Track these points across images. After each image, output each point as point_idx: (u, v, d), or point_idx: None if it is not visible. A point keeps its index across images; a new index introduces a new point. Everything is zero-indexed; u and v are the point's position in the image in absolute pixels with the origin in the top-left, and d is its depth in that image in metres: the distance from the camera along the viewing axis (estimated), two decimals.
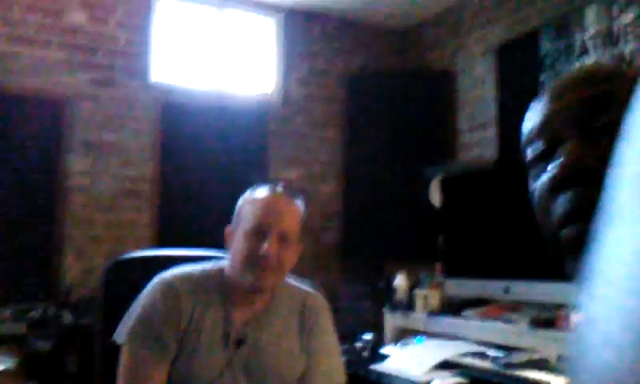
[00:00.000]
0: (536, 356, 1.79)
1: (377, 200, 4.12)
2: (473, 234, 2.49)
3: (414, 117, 4.20)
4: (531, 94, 3.07)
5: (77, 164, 3.62)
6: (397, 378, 1.91)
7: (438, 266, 2.71)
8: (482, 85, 3.98)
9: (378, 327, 2.82)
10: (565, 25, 3.33)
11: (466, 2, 4.14)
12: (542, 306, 2.11)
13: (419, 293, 2.61)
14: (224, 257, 1.54)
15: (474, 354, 2.00)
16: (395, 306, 2.71)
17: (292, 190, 1.52)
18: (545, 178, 0.64)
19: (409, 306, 2.66)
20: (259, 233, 1.41)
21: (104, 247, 3.62)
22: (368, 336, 2.41)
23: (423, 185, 3.22)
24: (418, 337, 2.36)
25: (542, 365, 1.75)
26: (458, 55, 4.21)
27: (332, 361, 1.54)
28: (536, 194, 0.67)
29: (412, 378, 1.88)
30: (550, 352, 1.87)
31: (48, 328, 2.96)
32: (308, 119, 4.31)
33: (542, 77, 3.46)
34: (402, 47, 4.68)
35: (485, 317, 2.27)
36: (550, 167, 0.63)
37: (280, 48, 4.29)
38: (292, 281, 1.59)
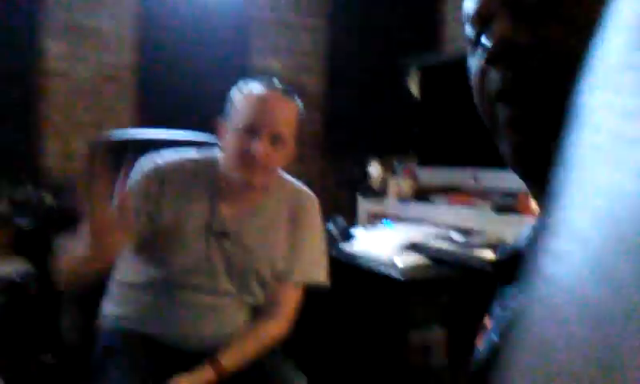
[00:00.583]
0: (495, 238, 1.88)
1: (360, 91, 4.11)
2: (446, 125, 2.52)
3: (401, 5, 4.11)
4: None
5: (55, 47, 3.55)
6: (363, 257, 2.00)
7: (412, 155, 2.76)
8: None
9: (351, 213, 2.91)
10: None
11: None
12: (507, 194, 2.18)
13: (392, 180, 2.67)
14: (214, 145, 1.54)
15: (439, 237, 2.09)
16: (368, 192, 2.78)
17: (288, 87, 1.47)
18: (479, 55, 0.65)
19: (382, 192, 2.73)
20: (251, 131, 1.38)
21: (84, 132, 3.63)
22: (339, 219, 2.49)
23: (403, 74, 3.21)
24: (387, 221, 2.45)
25: (499, 246, 1.84)
26: None
27: (314, 257, 1.57)
28: (472, 73, 0.68)
29: (378, 258, 1.97)
30: (509, 235, 1.96)
31: (31, 209, 3.02)
32: (291, 6, 4.20)
33: None
34: None
35: (453, 203, 2.35)
36: (483, 43, 0.64)
37: None
38: (285, 176, 1.59)
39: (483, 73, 0.65)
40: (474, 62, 0.68)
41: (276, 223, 1.53)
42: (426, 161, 2.61)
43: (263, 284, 1.52)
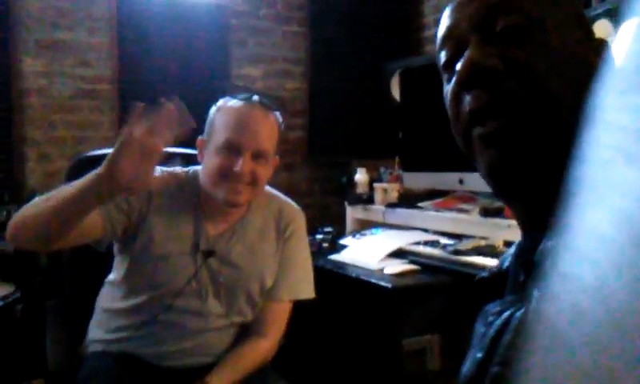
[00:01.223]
0: (483, 242, 1.88)
1: (342, 96, 4.10)
2: (430, 128, 2.51)
3: (380, 9, 4.11)
4: None
5: (31, 65, 3.50)
6: (352, 266, 1.99)
7: (397, 160, 2.75)
8: None
9: (339, 221, 2.90)
10: None
11: None
12: (494, 197, 2.18)
13: (378, 186, 2.67)
14: (198, 166, 1.50)
15: (427, 243, 2.09)
16: (356, 199, 2.77)
17: (268, 101, 1.43)
18: (453, 80, 0.67)
19: (369, 199, 2.73)
20: (232, 149, 1.35)
21: (66, 149, 3.58)
22: (328, 229, 2.48)
23: (385, 79, 3.21)
24: (375, 228, 2.44)
25: (487, 250, 1.84)
26: None
27: (301, 273, 1.55)
28: (447, 98, 0.70)
29: (367, 266, 1.96)
30: (497, 239, 1.96)
31: None
32: (270, 13, 4.19)
33: None
34: None
35: (440, 207, 2.34)
36: (456, 69, 0.66)
37: None
38: (269, 189, 1.56)
39: (457, 97, 0.67)
40: (448, 88, 0.70)
41: (263, 240, 1.51)
42: (412, 166, 2.60)
43: (252, 302, 1.50)
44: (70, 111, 3.60)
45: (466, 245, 1.86)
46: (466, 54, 0.65)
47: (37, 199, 1.26)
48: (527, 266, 0.66)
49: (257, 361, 1.47)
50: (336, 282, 1.96)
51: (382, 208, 2.59)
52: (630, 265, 0.19)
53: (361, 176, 2.85)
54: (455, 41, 0.68)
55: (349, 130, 4.03)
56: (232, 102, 1.41)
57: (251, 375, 1.45)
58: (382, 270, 1.90)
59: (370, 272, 1.90)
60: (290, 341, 1.64)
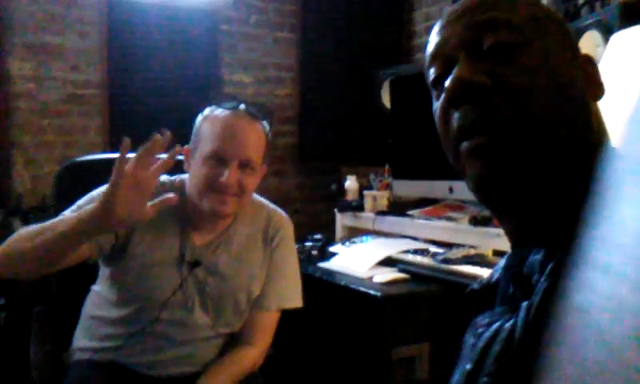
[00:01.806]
0: (472, 251, 1.87)
1: (333, 103, 4.11)
2: (420, 136, 2.51)
3: (371, 16, 4.12)
4: None
5: (20, 68, 3.48)
6: (341, 274, 1.98)
7: (387, 168, 2.75)
8: None
9: (329, 228, 2.90)
10: None
11: None
12: (483, 206, 2.18)
13: (368, 194, 2.66)
14: (185, 174, 1.49)
15: (416, 251, 2.08)
16: (346, 207, 2.77)
17: (255, 110, 1.41)
18: (442, 96, 0.68)
19: (359, 206, 2.72)
20: (219, 159, 1.34)
21: (54, 154, 3.56)
22: (318, 236, 2.47)
23: (376, 87, 3.21)
24: (365, 235, 2.43)
25: (477, 260, 1.84)
26: None
27: (289, 282, 1.53)
28: (436, 114, 0.71)
29: (355, 274, 1.95)
30: (486, 248, 1.96)
31: None
32: (261, 20, 4.19)
33: None
34: None
35: (429, 215, 2.34)
36: (445, 86, 0.67)
37: None
38: (257, 198, 1.54)
39: (446, 114, 0.68)
40: (437, 104, 0.71)
41: (250, 249, 1.50)
42: (402, 173, 2.60)
43: (239, 312, 1.49)
44: (58, 116, 3.58)
45: (455, 254, 1.86)
46: (455, 71, 0.65)
47: (23, 232, 1.24)
48: (516, 279, 0.66)
49: (245, 369, 1.46)
50: (325, 290, 1.95)
51: (372, 216, 2.58)
52: None
53: (351, 183, 2.85)
54: (444, 58, 0.69)
55: (339, 136, 4.03)
56: (218, 111, 1.39)
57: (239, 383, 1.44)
58: (371, 278, 1.89)
59: (360, 280, 1.89)
60: (278, 349, 1.63)
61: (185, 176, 1.47)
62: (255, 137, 1.39)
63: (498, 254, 1.88)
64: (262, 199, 1.58)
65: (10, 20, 3.43)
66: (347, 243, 2.38)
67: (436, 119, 0.71)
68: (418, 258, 1.98)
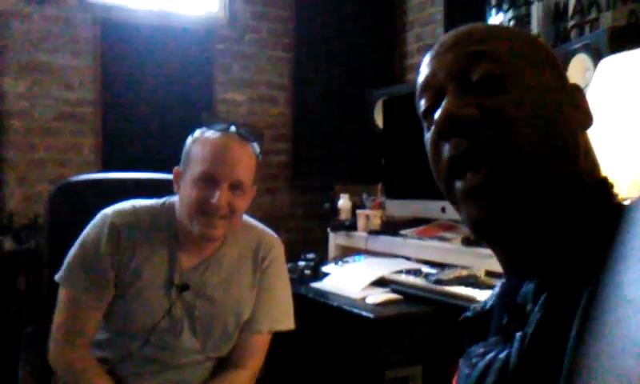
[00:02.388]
0: (465, 272, 1.88)
1: (326, 122, 4.13)
2: (413, 156, 2.53)
3: (364, 37, 4.16)
4: (479, 14, 3.01)
5: (13, 87, 3.48)
6: (334, 294, 1.97)
7: (380, 187, 2.76)
8: (431, 4, 3.94)
9: (322, 247, 2.89)
10: None
11: None
12: None
13: (361, 213, 2.67)
14: (174, 196, 1.47)
15: (409, 271, 2.08)
16: (339, 226, 2.77)
17: (246, 132, 1.41)
18: (432, 128, 0.69)
19: (352, 225, 2.72)
20: (210, 180, 1.33)
21: (47, 172, 3.55)
22: (310, 255, 2.47)
23: (369, 106, 3.23)
24: (358, 255, 2.43)
25: (470, 280, 1.84)
26: None
27: (280, 305, 1.53)
28: (427, 145, 0.72)
29: (348, 295, 1.95)
30: (479, 268, 1.96)
31: None
32: (255, 39, 4.21)
33: None
34: None
35: (422, 235, 2.34)
36: (435, 118, 0.68)
37: None
38: (247, 219, 1.53)
39: (436, 145, 0.68)
40: (428, 136, 0.71)
41: (240, 271, 1.49)
42: (394, 193, 2.61)
43: (227, 336, 1.48)
44: (51, 134, 3.58)
45: (447, 274, 1.86)
46: (444, 103, 0.66)
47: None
48: (510, 308, 0.66)
49: None
50: (318, 311, 1.94)
51: (365, 235, 2.59)
52: None
53: (344, 202, 2.85)
54: (433, 90, 0.70)
55: (332, 155, 4.05)
56: (209, 133, 1.39)
57: None
58: (364, 298, 1.89)
59: (352, 301, 1.89)
60: (269, 372, 1.62)
61: (174, 198, 1.47)
62: (246, 158, 1.39)
63: (491, 274, 1.88)
64: (252, 220, 1.57)
65: (3, 38, 3.43)
66: (340, 263, 2.38)
67: (427, 150, 0.72)
68: (411, 279, 1.98)
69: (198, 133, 1.42)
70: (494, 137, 0.63)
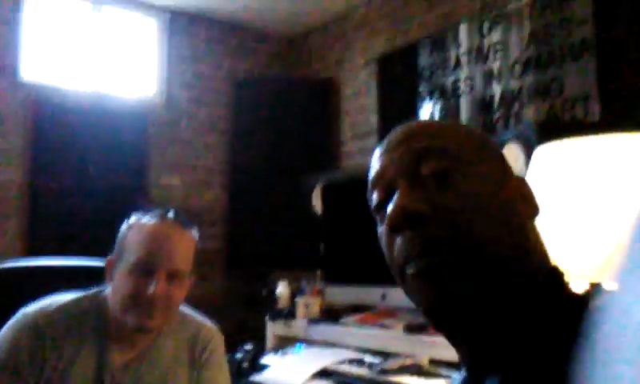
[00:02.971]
0: (409, 361, 1.85)
1: (261, 207, 4.11)
2: (352, 242, 2.53)
3: (299, 124, 4.23)
4: (410, 105, 3.14)
5: None
6: None
7: (319, 273, 2.74)
8: (365, 94, 4.09)
9: (259, 336, 2.80)
10: (441, 40, 3.50)
11: (350, 13, 4.23)
12: (417, 312, 2.18)
13: (300, 300, 2.62)
14: (104, 286, 1.41)
15: (352, 362, 2.04)
16: (277, 314, 2.70)
17: (184, 218, 1.35)
18: (385, 222, 0.69)
19: (291, 313, 2.66)
20: (146, 270, 1.26)
21: None
22: (248, 346, 2.38)
23: (306, 192, 3.24)
24: (298, 345, 2.36)
25: (414, 369, 1.81)
26: (343, 64, 4.29)
27: None
28: (381, 239, 0.73)
29: None
30: (423, 356, 1.94)
31: None
32: (192, 124, 4.21)
33: (421, 87, 3.60)
34: (288, 54, 4.70)
35: (363, 323, 2.31)
36: (387, 212, 0.69)
37: (163, 50, 4.16)
38: (183, 309, 1.44)
39: (389, 239, 0.69)
40: (381, 230, 0.72)
41: (176, 367, 1.39)
42: (334, 278, 2.59)
43: None
44: None
45: (392, 365, 1.83)
46: (394, 199, 0.67)
47: None
48: None
49: None
50: None
51: (304, 323, 2.53)
52: None
53: (282, 289, 2.80)
54: (384, 184, 0.70)
55: (269, 241, 4.01)
56: (145, 219, 1.32)
57: None
58: None
59: None
60: None
61: (103, 289, 1.38)
62: (184, 246, 1.33)
63: (435, 363, 1.87)
64: (189, 310, 1.50)
65: None
66: (280, 353, 2.30)
67: (381, 244, 0.72)
68: (355, 369, 1.93)
69: (133, 219, 1.35)
70: (443, 231, 0.64)
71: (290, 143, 4.20)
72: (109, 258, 1.34)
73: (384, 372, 1.80)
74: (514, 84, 3.09)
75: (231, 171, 4.27)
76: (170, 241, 1.30)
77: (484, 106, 3.25)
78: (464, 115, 3.34)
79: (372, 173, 0.73)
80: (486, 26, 3.25)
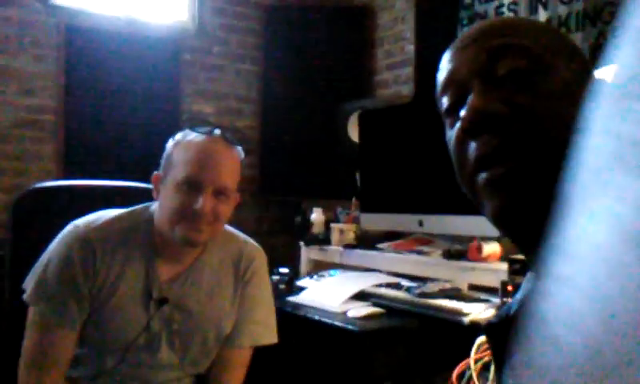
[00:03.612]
0: (448, 285, 1.85)
1: (295, 136, 4.08)
2: (389, 170, 2.50)
3: (333, 52, 4.14)
4: (449, 33, 3.04)
5: None
6: (313, 308, 1.92)
7: (354, 202, 2.73)
8: (402, 22, 3.97)
9: (293, 261, 2.83)
10: None
11: None
12: (454, 239, 2.17)
13: (335, 227, 2.62)
14: (150, 202, 1.40)
15: (389, 285, 2.05)
16: (312, 239, 2.71)
17: (230, 135, 1.34)
18: (457, 126, 0.66)
19: (325, 240, 2.67)
20: (193, 185, 1.26)
21: (4, 181, 3.38)
22: (284, 269, 2.41)
23: (341, 120, 3.20)
24: (333, 269, 2.38)
25: (453, 294, 1.81)
26: None
27: (263, 318, 1.45)
28: (450, 143, 0.69)
29: (328, 309, 1.89)
30: (461, 282, 1.94)
31: None
32: (224, 51, 4.15)
33: (462, 15, 3.48)
34: None
35: (399, 249, 2.31)
36: (460, 115, 0.65)
37: None
38: (227, 227, 1.46)
39: (462, 143, 0.65)
40: (452, 133, 0.68)
41: (221, 282, 1.41)
42: (369, 207, 2.58)
43: (207, 351, 1.40)
44: (9, 141, 3.42)
45: (431, 288, 1.83)
46: (470, 100, 0.63)
47: None
48: None
49: None
50: (297, 325, 1.88)
51: (340, 249, 2.54)
52: (622, 266, 0.20)
53: (317, 216, 2.80)
54: (457, 86, 0.67)
55: (302, 169, 4.00)
56: (192, 136, 1.32)
57: None
58: (344, 313, 1.84)
59: (333, 315, 1.84)
60: None
61: (151, 204, 1.39)
62: (231, 163, 1.33)
63: (474, 288, 1.87)
64: (233, 229, 1.51)
65: None
66: (315, 277, 2.32)
67: (450, 148, 0.69)
68: (392, 292, 1.94)
69: (180, 136, 1.34)
70: (524, 132, 0.60)
71: (324, 72, 4.12)
72: (156, 173, 1.35)
73: (423, 295, 1.80)
74: (562, 10, 2.95)
75: (264, 99, 4.22)
76: (217, 157, 1.29)
77: None
78: None
79: (442, 74, 0.70)
80: None
